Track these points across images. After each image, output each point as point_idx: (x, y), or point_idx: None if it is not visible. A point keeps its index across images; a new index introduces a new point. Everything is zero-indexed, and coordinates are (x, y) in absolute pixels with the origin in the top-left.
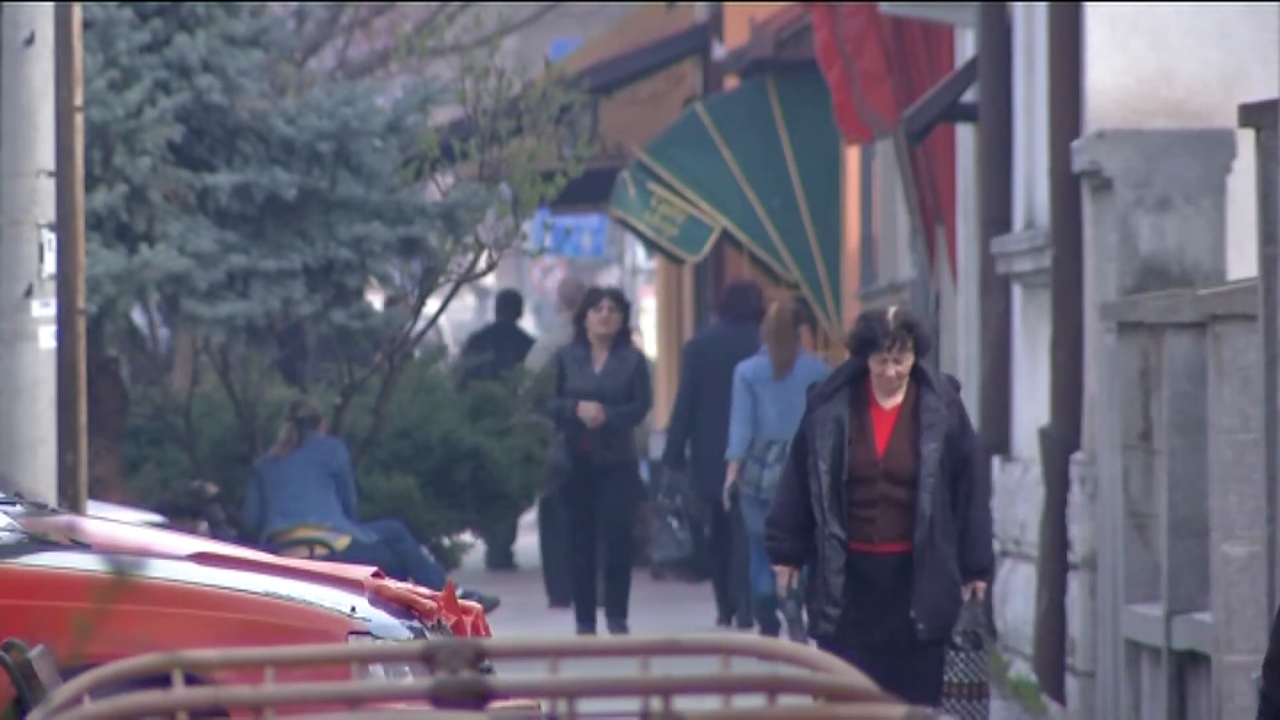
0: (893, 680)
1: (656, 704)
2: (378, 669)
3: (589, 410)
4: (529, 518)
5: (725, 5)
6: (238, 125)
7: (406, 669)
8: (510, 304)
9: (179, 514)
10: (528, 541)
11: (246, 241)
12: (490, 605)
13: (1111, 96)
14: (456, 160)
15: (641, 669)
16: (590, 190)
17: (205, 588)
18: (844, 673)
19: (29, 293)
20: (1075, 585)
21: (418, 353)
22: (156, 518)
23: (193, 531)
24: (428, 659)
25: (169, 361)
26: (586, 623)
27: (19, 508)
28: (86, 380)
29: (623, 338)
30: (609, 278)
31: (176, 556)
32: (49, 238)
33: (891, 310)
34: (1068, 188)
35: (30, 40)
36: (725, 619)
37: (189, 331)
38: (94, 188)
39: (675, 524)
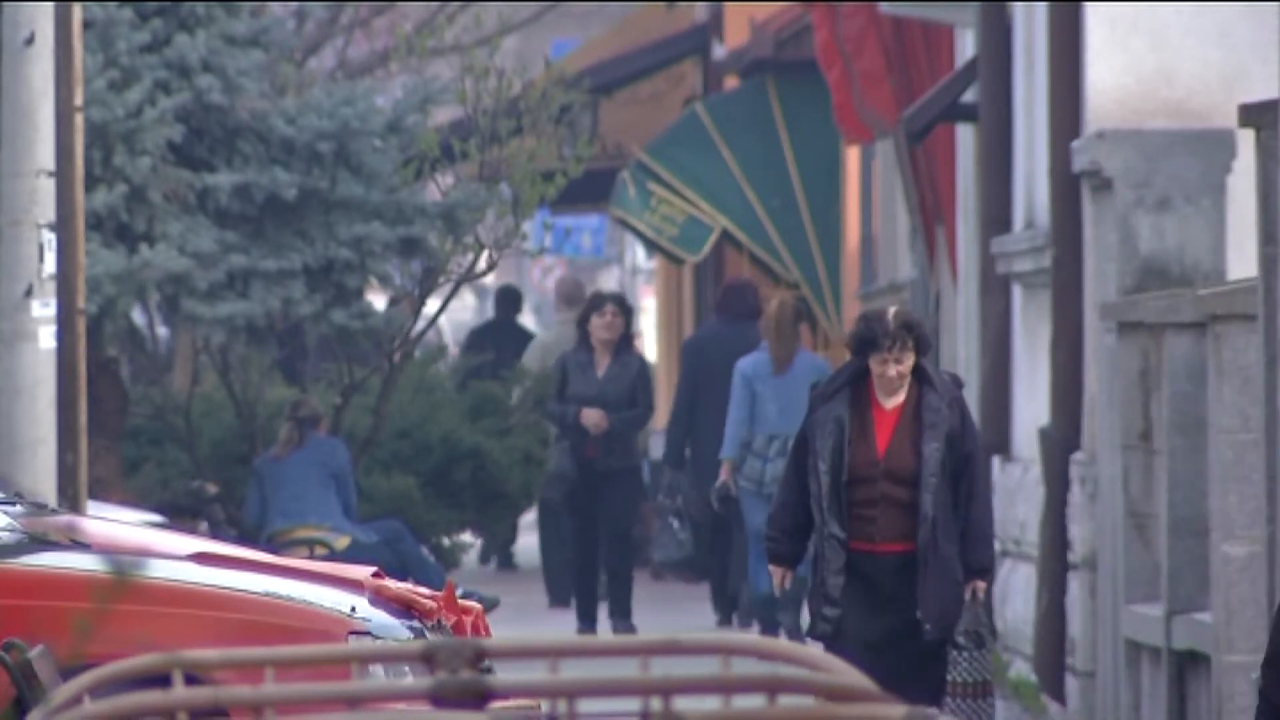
0: (894, 680)
1: (656, 704)
2: (378, 669)
3: (592, 417)
4: (529, 518)
5: (725, 5)
6: (238, 125)
7: (406, 669)
8: (509, 300)
9: (179, 514)
10: (528, 541)
11: (246, 241)
12: (490, 605)
13: (1111, 96)
14: (456, 160)
15: (641, 669)
16: (590, 190)
17: (205, 588)
18: (844, 673)
19: (29, 293)
20: (1075, 585)
21: (418, 353)
22: (156, 518)
23: (193, 531)
24: (428, 659)
25: (169, 361)
26: (587, 622)
27: (19, 508)
28: (86, 380)
29: (625, 343)
30: (609, 278)
31: (176, 556)
32: (49, 238)
33: (891, 310)
34: (1068, 188)
35: (30, 40)
36: (725, 619)
37: (189, 331)
38: (94, 188)
39: (676, 524)
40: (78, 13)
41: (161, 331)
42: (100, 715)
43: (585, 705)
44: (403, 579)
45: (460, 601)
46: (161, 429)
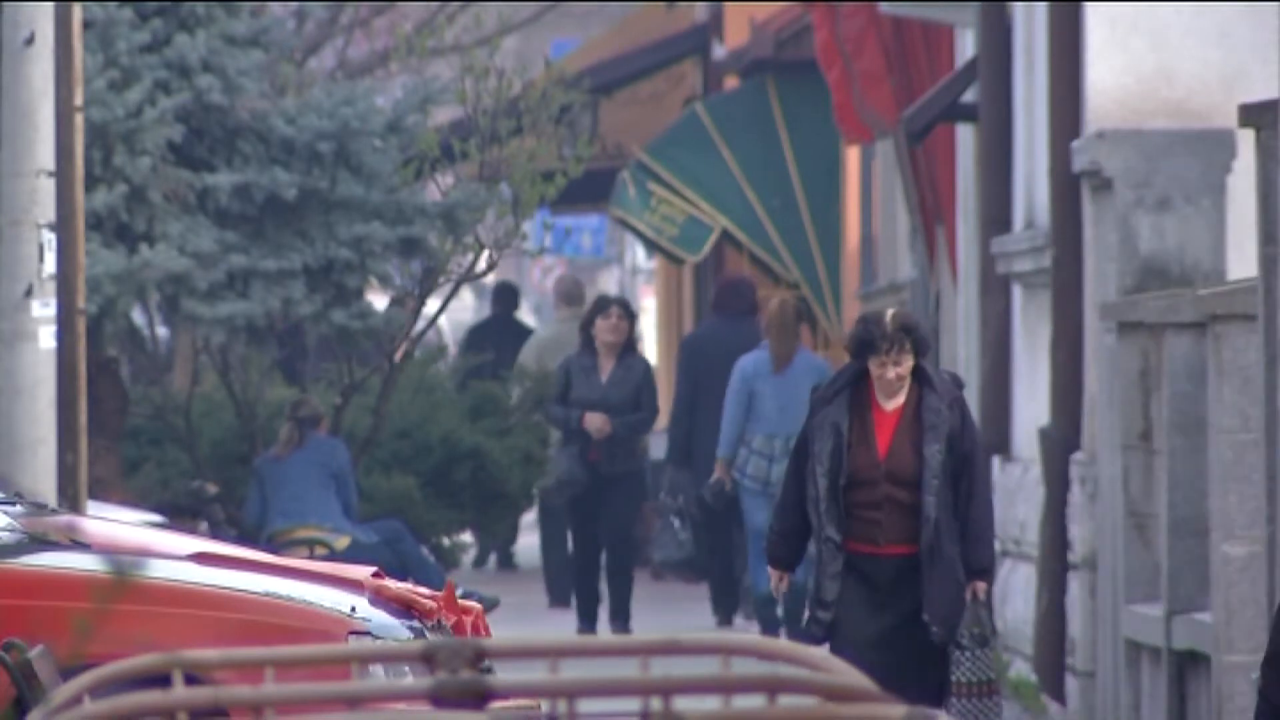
0: (895, 680)
1: (656, 704)
2: (378, 669)
3: (595, 421)
4: (529, 518)
5: (725, 5)
6: (238, 125)
7: (406, 669)
8: (507, 296)
9: (179, 514)
10: (528, 541)
11: (246, 241)
12: (490, 605)
13: (1111, 96)
14: (456, 160)
15: (641, 669)
16: (590, 190)
17: (205, 588)
18: (844, 673)
19: (29, 293)
20: (1075, 585)
21: (417, 353)
22: (156, 518)
23: (193, 531)
24: (428, 659)
25: (169, 361)
26: (587, 622)
27: (19, 508)
28: (86, 380)
29: (629, 347)
30: (609, 278)
31: (176, 556)
32: (49, 238)
33: (890, 313)
34: (1068, 188)
35: (30, 40)
36: (725, 620)
37: (189, 331)
38: (94, 188)
39: (677, 524)
40: (78, 13)
41: (161, 331)
42: (100, 715)
43: (585, 705)
44: (403, 579)
45: (460, 601)
46: (161, 429)
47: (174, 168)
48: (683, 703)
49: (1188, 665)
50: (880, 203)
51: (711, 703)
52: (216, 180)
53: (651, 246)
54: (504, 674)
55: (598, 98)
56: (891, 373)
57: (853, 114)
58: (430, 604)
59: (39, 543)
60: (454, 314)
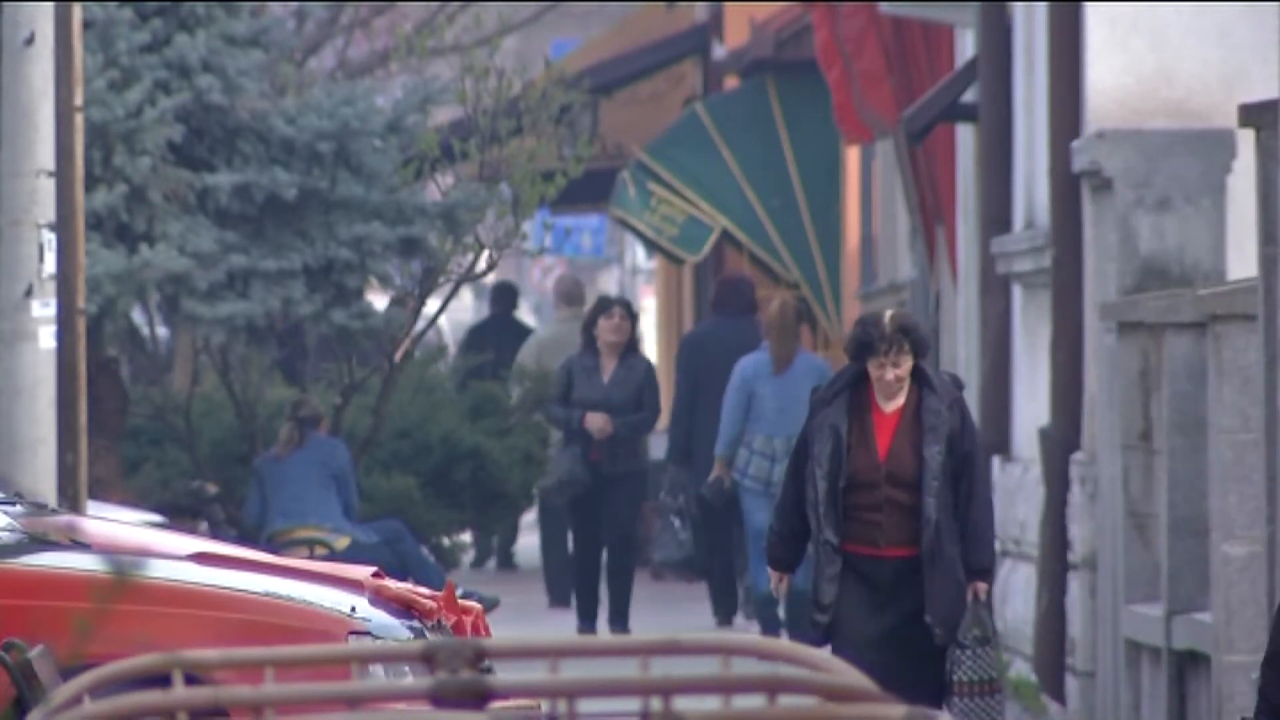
0: (895, 680)
1: (656, 704)
2: (378, 669)
3: (596, 421)
4: (529, 517)
5: (725, 5)
6: (238, 125)
7: (406, 669)
8: (505, 296)
9: (179, 514)
10: (528, 541)
11: (246, 241)
12: (490, 605)
13: (1111, 96)
14: (456, 160)
15: (641, 669)
16: (590, 190)
17: (205, 588)
18: (844, 673)
19: (29, 293)
20: (1075, 585)
21: (417, 353)
22: (156, 518)
23: (193, 531)
24: (428, 659)
25: (169, 361)
26: (587, 621)
27: (19, 508)
28: (86, 380)
29: (632, 347)
30: (609, 278)
31: (176, 556)
32: (49, 238)
33: (888, 314)
34: (1068, 188)
35: (30, 40)
36: (725, 620)
37: (189, 331)
38: (94, 188)
39: (677, 524)
40: (78, 13)
41: (161, 331)
42: (100, 715)
43: (585, 705)
44: (403, 579)
45: (460, 601)
46: (161, 429)
47: (174, 168)
48: (683, 703)
49: (1188, 665)
50: (880, 203)
51: (711, 703)
52: (216, 180)
53: (651, 246)
54: (504, 674)
55: (598, 98)
56: (890, 374)
57: (853, 114)
58: (430, 604)
59: (39, 543)
60: (454, 314)
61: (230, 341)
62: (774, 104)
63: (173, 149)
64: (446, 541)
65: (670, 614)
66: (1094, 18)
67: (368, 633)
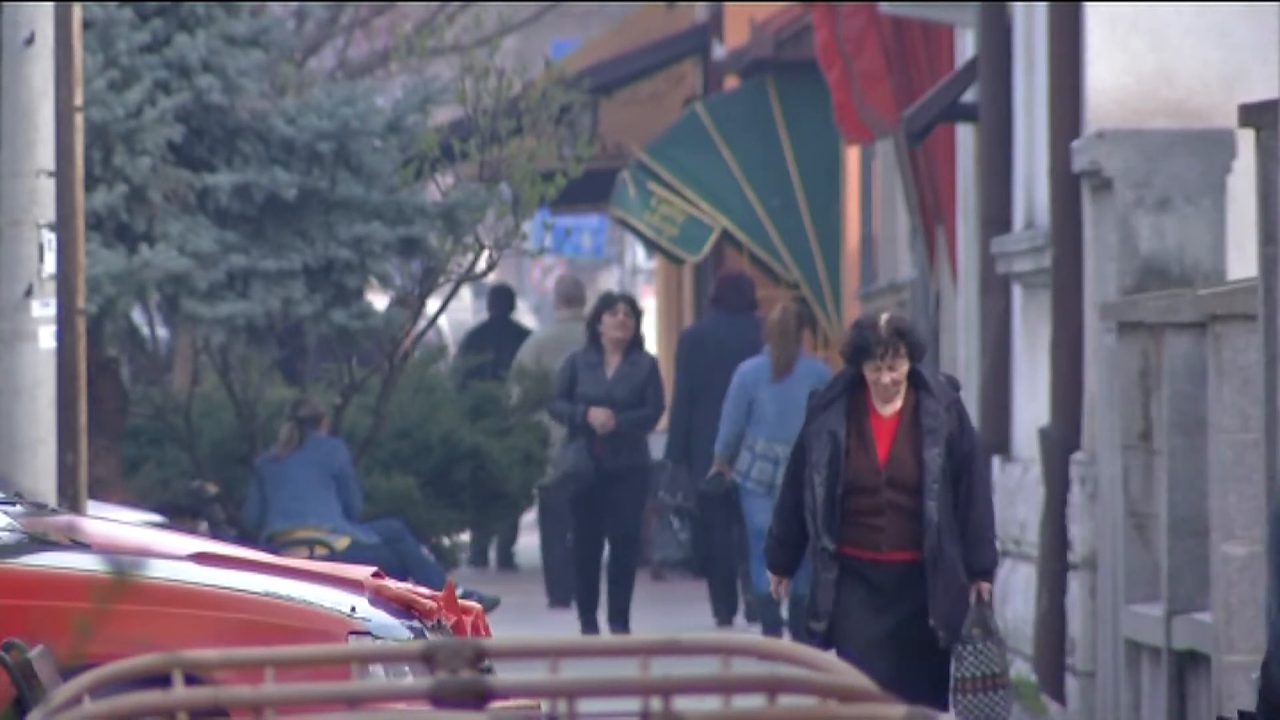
0: (895, 680)
1: (656, 704)
2: (378, 669)
3: (599, 416)
4: (529, 517)
5: (725, 5)
6: (238, 125)
7: (406, 669)
8: (502, 299)
9: (179, 514)
10: (528, 541)
11: (246, 241)
12: (490, 605)
13: (1111, 96)
14: (456, 160)
15: (641, 669)
16: (590, 190)
17: (205, 588)
18: (844, 673)
19: (29, 293)
20: (1075, 585)
21: (417, 352)
22: (156, 518)
23: (193, 531)
24: (428, 659)
25: (169, 361)
26: (589, 616)
27: (19, 508)
28: (86, 380)
29: (636, 343)
30: (609, 278)
31: (176, 556)
32: (49, 238)
33: (884, 317)
34: (1068, 188)
35: (30, 40)
36: (725, 620)
37: (189, 331)
38: (94, 188)
39: (676, 523)
40: (78, 13)
41: (161, 331)
42: (100, 715)
43: (585, 705)
44: (403, 579)
45: (460, 601)
46: (161, 429)
47: (174, 168)
48: (683, 703)
49: (1188, 665)
50: (880, 203)
51: (711, 703)
52: (216, 180)
53: (651, 246)
54: (504, 674)
55: (598, 98)
56: (887, 377)
57: (853, 114)
58: (430, 604)
59: (39, 543)
60: (454, 314)
61: (230, 341)
62: (774, 104)
63: (173, 149)
64: (446, 541)
65: (670, 614)
66: (1094, 18)
67: (368, 633)
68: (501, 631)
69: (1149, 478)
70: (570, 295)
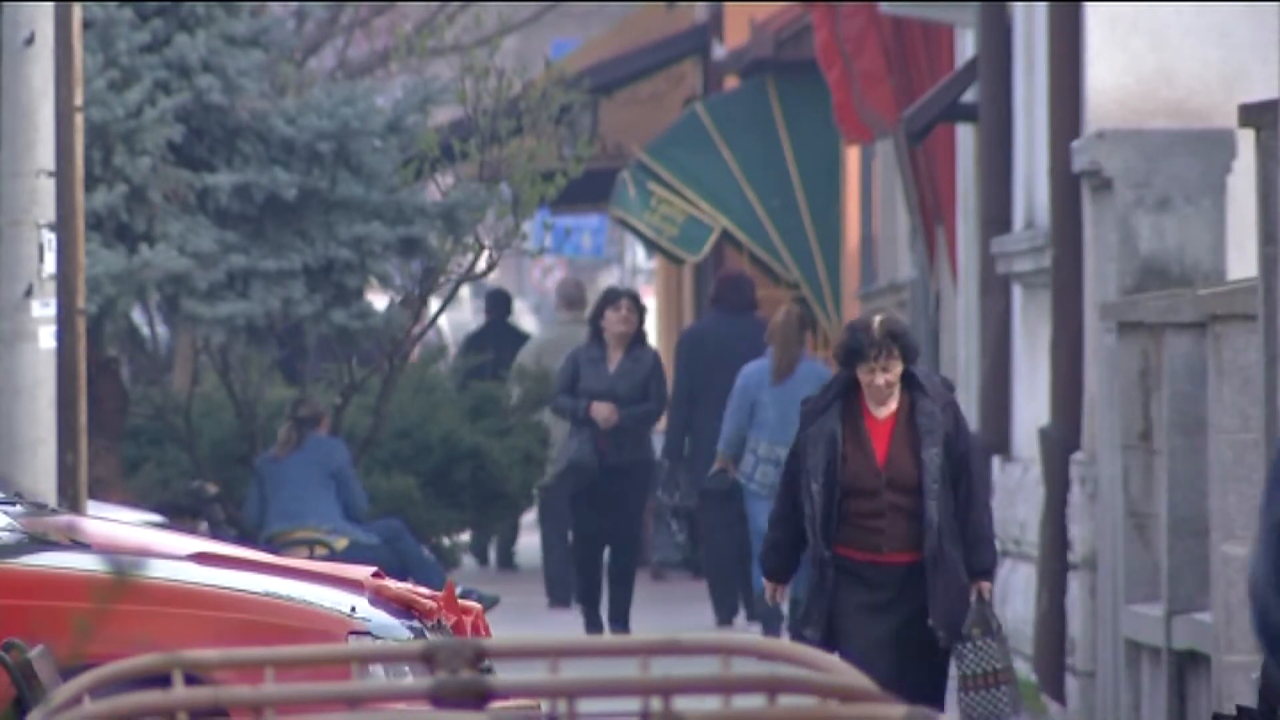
0: (895, 680)
1: (656, 704)
2: (378, 669)
3: (601, 411)
4: (529, 517)
5: (725, 5)
6: (238, 125)
7: (406, 669)
8: (499, 303)
9: (179, 514)
10: (528, 541)
11: (246, 241)
12: (490, 604)
13: (1111, 96)
14: (456, 160)
15: (641, 669)
16: (590, 190)
17: (205, 588)
18: (844, 673)
19: (29, 293)
20: (1075, 585)
21: (418, 351)
22: (156, 518)
23: (193, 531)
24: (428, 659)
25: (169, 361)
26: (594, 618)
27: (19, 508)
28: (86, 380)
29: (639, 338)
30: (609, 278)
31: (176, 556)
32: (49, 238)
33: (876, 319)
34: (1068, 188)
35: (30, 40)
36: (726, 620)
37: (189, 331)
38: (94, 188)
39: (674, 525)
40: (78, 13)
41: (161, 331)
42: (100, 715)
43: (585, 705)
44: (402, 579)
45: (460, 602)
46: (161, 429)
47: (174, 168)
48: (683, 703)
49: (1188, 665)
50: (880, 203)
51: (711, 703)
52: (216, 180)
53: (651, 246)
54: (504, 674)
55: (598, 98)
56: (881, 379)
57: (853, 114)
58: (430, 604)
59: (39, 543)
60: (453, 314)
61: (230, 341)
62: (774, 104)
63: (173, 149)
64: (446, 541)
65: (670, 614)
66: (1094, 18)
67: (368, 633)
68: (501, 631)
69: (1149, 478)
70: (572, 298)
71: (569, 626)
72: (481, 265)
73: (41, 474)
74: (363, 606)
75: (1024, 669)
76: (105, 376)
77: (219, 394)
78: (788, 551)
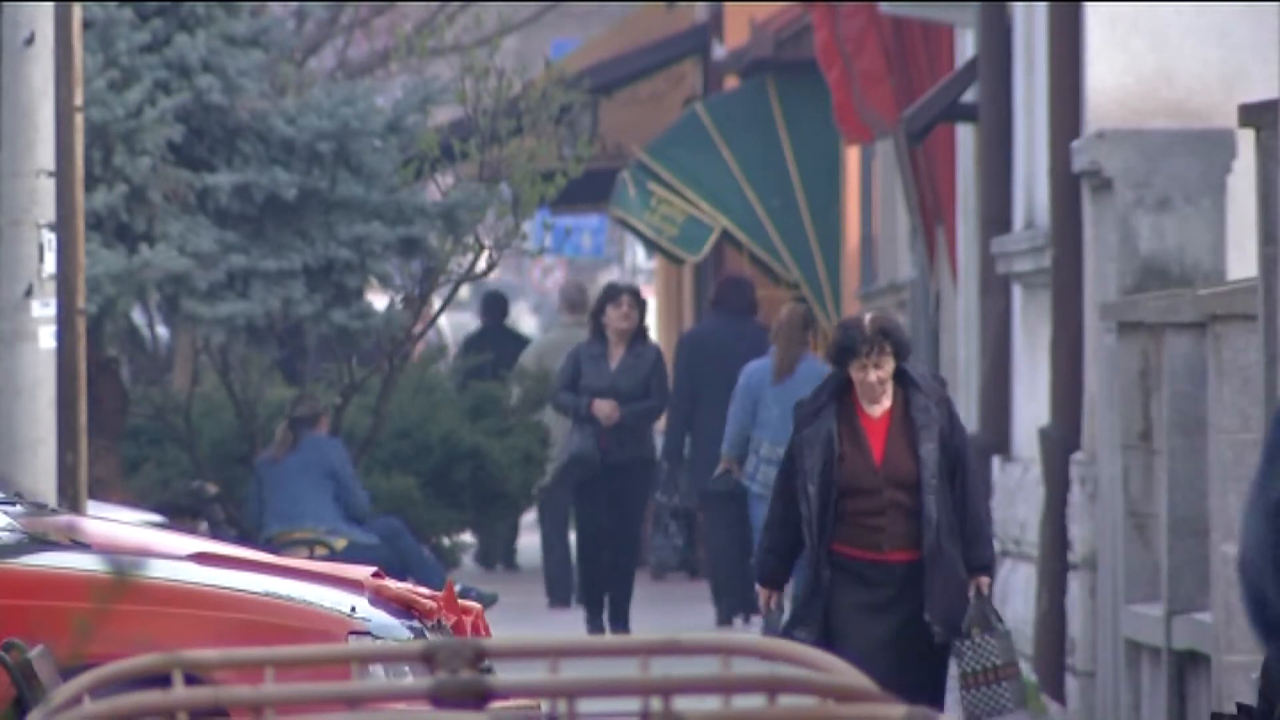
0: (895, 680)
1: (656, 704)
2: (378, 669)
3: (604, 408)
4: (529, 517)
5: (725, 5)
6: (238, 125)
7: (406, 669)
8: (495, 305)
9: (179, 514)
10: (528, 541)
11: (246, 241)
12: (489, 602)
13: (1111, 96)
14: (456, 160)
15: (641, 669)
16: (590, 190)
17: (205, 588)
18: (844, 673)
19: (29, 293)
20: (1075, 585)
21: (419, 350)
22: (156, 518)
23: (193, 531)
24: (428, 659)
25: (169, 361)
26: (596, 619)
27: (19, 508)
28: (86, 380)
29: (640, 335)
30: (609, 278)
31: (176, 556)
32: (49, 238)
33: (868, 316)
34: (1068, 188)
35: (30, 40)
36: (726, 620)
37: (189, 331)
38: (94, 188)
39: (672, 528)
40: (78, 13)
41: (161, 331)
42: (100, 715)
43: (585, 705)
44: (402, 578)
45: (460, 602)
46: (161, 429)
47: (174, 168)
48: (683, 703)
49: (1188, 665)
50: (880, 203)
51: (711, 703)
52: (216, 180)
53: (651, 246)
54: (504, 674)
55: (598, 98)
56: (873, 375)
57: (853, 114)
58: (430, 604)
59: (39, 543)
60: (454, 314)
61: (230, 341)
62: (774, 104)
63: (173, 149)
64: (446, 541)
65: (670, 614)
66: (1094, 18)
67: (368, 633)
68: (501, 631)
69: (1149, 478)
70: (575, 301)
71: (569, 626)
72: (481, 265)
73: (41, 474)
74: (363, 606)
75: (1024, 669)
76: (105, 376)
77: (219, 394)
78: (785, 556)
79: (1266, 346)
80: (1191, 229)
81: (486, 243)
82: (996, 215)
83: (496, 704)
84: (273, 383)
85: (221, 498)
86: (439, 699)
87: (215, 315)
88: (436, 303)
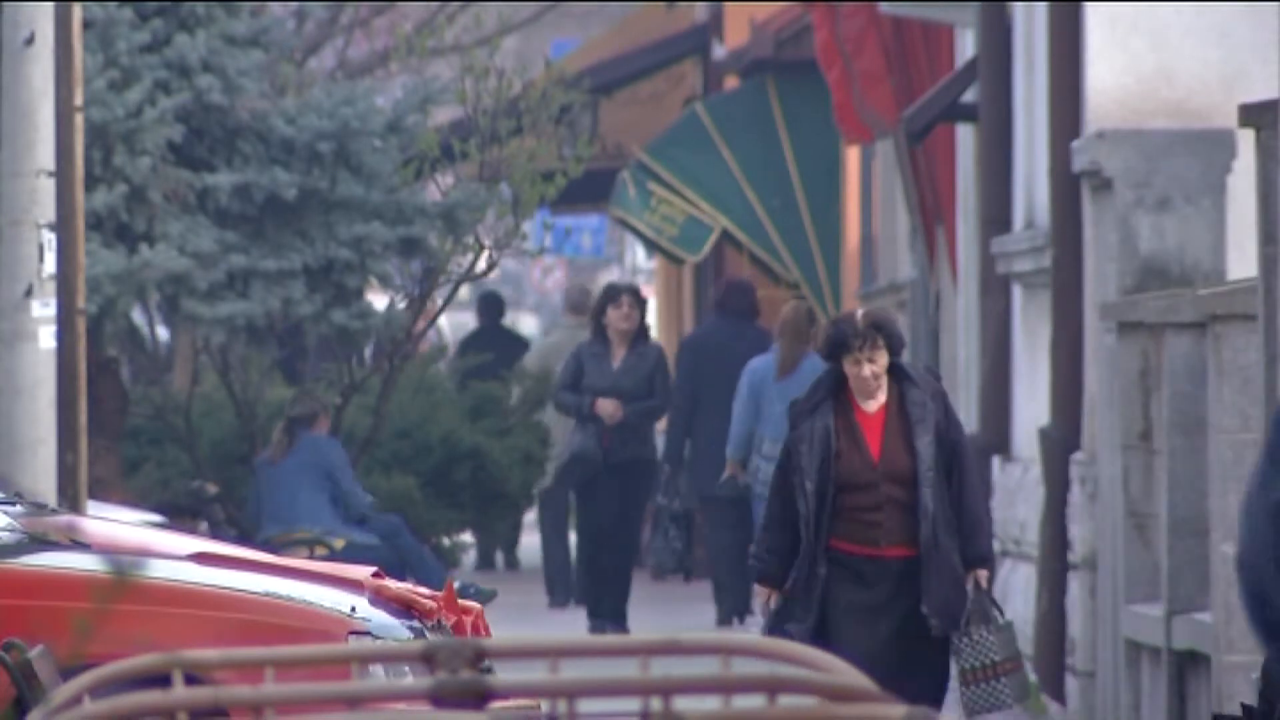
0: (895, 679)
1: (656, 704)
2: (378, 669)
3: (606, 407)
4: (530, 517)
5: (725, 5)
6: (238, 125)
7: (406, 669)
8: (491, 306)
9: (179, 514)
10: (528, 541)
11: (246, 241)
12: (488, 598)
13: (1111, 96)
14: (456, 160)
15: (641, 669)
16: (590, 190)
17: (205, 588)
18: (844, 673)
19: (29, 293)
20: (1075, 585)
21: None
22: (156, 518)
23: (193, 531)
24: (428, 659)
25: (169, 361)
26: (597, 620)
27: (19, 508)
28: (86, 380)
29: (642, 334)
30: (609, 278)
31: (176, 556)
32: (49, 238)
33: (860, 311)
34: (1068, 188)
35: (30, 40)
36: (726, 620)
37: (189, 331)
38: (94, 188)
39: (671, 531)
40: (78, 13)
41: (161, 331)
42: (100, 715)
43: (585, 705)
44: (402, 577)
45: (460, 602)
46: (161, 429)
47: (174, 168)
48: (683, 703)
49: (1188, 665)
50: (880, 203)
51: (711, 703)
52: (216, 180)
53: (651, 246)
54: (504, 674)
55: (598, 98)
56: (867, 370)
57: (853, 114)
58: (430, 604)
59: (39, 543)
60: (454, 314)
61: (230, 341)
62: (774, 104)
63: (173, 149)
64: (446, 541)
65: (670, 614)
66: (1094, 18)
67: (368, 633)
68: (501, 631)
69: (1149, 478)
70: (578, 303)
71: (569, 626)
72: (481, 265)
73: (41, 474)
74: (363, 606)
75: (1024, 669)
76: (105, 376)
77: (219, 394)
78: (784, 555)
79: (1266, 346)
80: (1191, 229)
81: (486, 243)
82: (996, 215)
83: (496, 704)
84: (273, 383)
85: (221, 498)
86: (439, 699)
87: (215, 315)
88: (438, 302)
